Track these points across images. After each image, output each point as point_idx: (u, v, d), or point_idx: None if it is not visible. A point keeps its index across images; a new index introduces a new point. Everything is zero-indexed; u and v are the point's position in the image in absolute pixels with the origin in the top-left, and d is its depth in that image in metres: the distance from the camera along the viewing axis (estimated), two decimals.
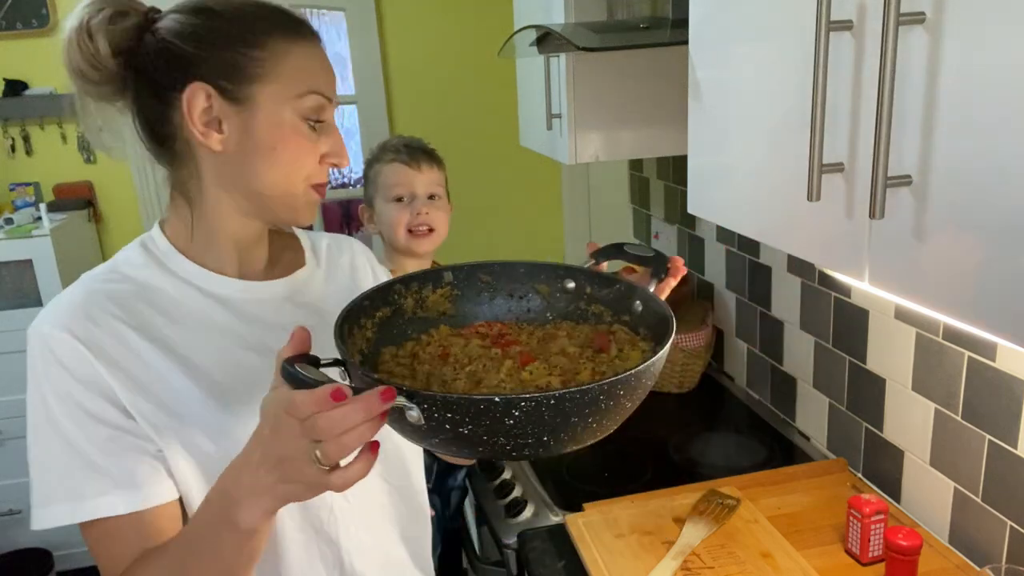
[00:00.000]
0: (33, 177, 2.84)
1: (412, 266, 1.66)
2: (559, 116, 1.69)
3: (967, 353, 1.19)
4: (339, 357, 0.71)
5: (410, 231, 1.61)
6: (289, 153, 0.83)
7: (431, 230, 1.62)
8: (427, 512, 1.07)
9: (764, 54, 0.96)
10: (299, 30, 0.85)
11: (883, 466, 1.42)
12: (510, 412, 0.61)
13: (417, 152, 1.62)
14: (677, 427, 1.75)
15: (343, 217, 3.25)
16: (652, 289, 0.88)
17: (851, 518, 1.21)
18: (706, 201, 1.17)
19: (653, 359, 0.70)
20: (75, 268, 2.68)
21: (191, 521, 0.76)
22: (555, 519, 1.40)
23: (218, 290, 0.88)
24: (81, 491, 0.78)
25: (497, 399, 0.61)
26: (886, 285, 0.78)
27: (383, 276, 1.07)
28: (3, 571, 2.70)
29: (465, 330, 0.88)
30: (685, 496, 1.38)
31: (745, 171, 1.04)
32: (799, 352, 1.66)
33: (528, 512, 1.42)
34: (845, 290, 1.48)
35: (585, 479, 1.54)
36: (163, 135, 0.84)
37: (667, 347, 0.73)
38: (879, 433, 1.42)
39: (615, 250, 0.97)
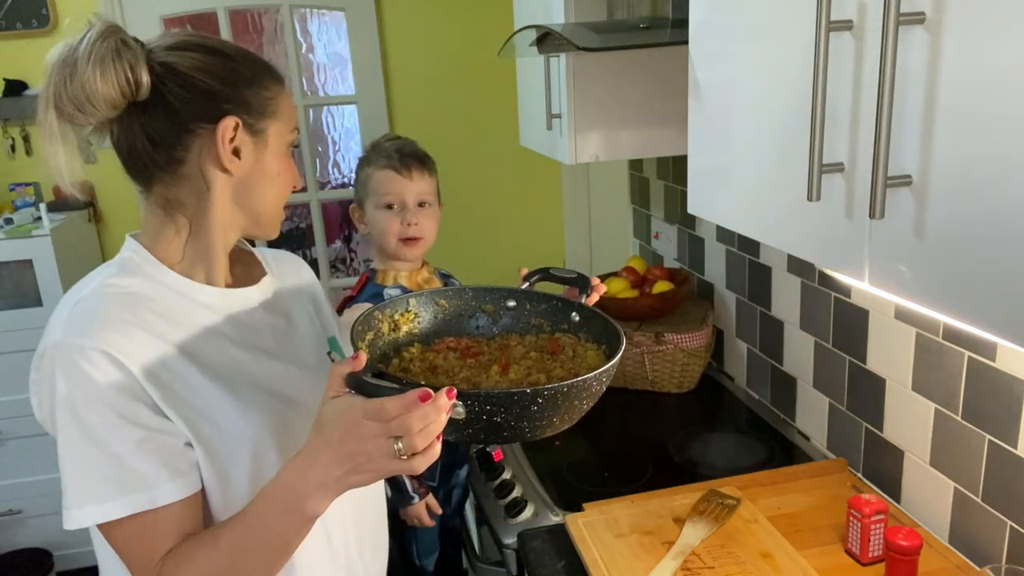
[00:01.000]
0: (33, 177, 2.84)
1: (402, 267, 1.66)
2: (559, 116, 1.69)
3: (967, 353, 1.19)
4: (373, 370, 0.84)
5: (400, 239, 1.61)
6: (285, 177, 0.99)
7: (420, 238, 1.62)
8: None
9: (764, 54, 0.96)
10: (281, 77, 1.00)
11: (883, 466, 1.42)
12: (536, 400, 0.79)
13: (409, 159, 1.61)
14: (677, 427, 1.75)
15: (343, 217, 3.25)
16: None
17: (851, 518, 1.21)
18: (706, 201, 1.17)
19: (621, 349, 0.91)
20: (75, 268, 2.68)
21: (247, 511, 0.85)
22: (555, 519, 1.40)
23: (204, 298, 0.97)
24: (124, 487, 0.84)
25: (528, 391, 0.78)
26: (886, 285, 0.78)
27: (321, 290, 1.21)
28: (3, 571, 2.70)
29: (436, 346, 1.03)
30: (685, 496, 1.38)
31: (745, 171, 1.04)
32: (799, 352, 1.66)
33: (528, 512, 1.42)
34: (845, 290, 1.48)
35: (585, 479, 1.54)
36: (172, 159, 0.92)
37: (623, 343, 0.94)
38: (879, 433, 1.42)
39: (543, 273, 1.15)
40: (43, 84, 0.87)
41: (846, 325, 1.49)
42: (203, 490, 0.91)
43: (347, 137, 3.12)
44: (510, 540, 1.38)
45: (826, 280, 1.54)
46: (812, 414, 1.64)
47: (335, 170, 3.16)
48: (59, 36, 2.88)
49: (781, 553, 1.21)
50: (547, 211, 3.13)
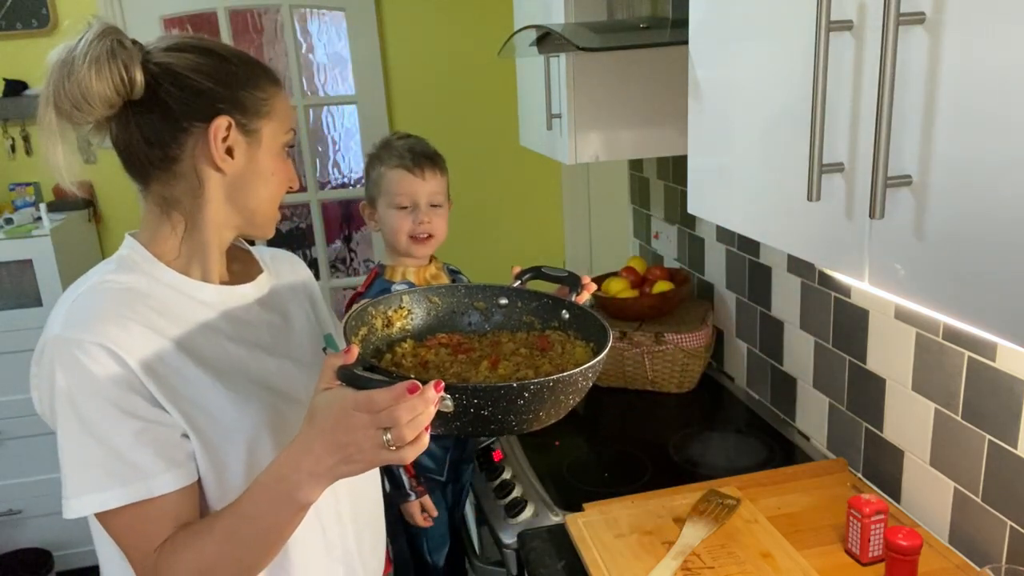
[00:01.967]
0: (33, 177, 2.84)
1: (412, 264, 1.67)
2: (559, 116, 1.69)
3: (967, 353, 1.19)
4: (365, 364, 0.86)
5: (411, 237, 1.63)
6: (279, 177, 1.00)
7: (431, 236, 1.64)
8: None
9: (764, 54, 0.96)
10: (278, 79, 1.01)
11: (883, 466, 1.42)
12: (522, 395, 0.81)
13: (421, 159, 1.62)
14: (677, 427, 1.75)
15: (343, 217, 3.25)
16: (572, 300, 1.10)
17: (851, 518, 1.21)
18: (706, 201, 1.17)
19: (607, 346, 0.93)
20: (75, 268, 2.68)
21: (241, 500, 0.86)
22: (555, 519, 1.40)
23: (201, 295, 0.99)
24: (122, 478, 0.86)
25: (514, 385, 0.80)
26: (886, 285, 0.78)
27: (316, 288, 1.22)
28: (3, 571, 2.70)
29: (428, 342, 1.04)
30: (685, 496, 1.38)
31: (745, 171, 1.04)
32: (799, 352, 1.66)
33: (528, 512, 1.42)
34: (845, 290, 1.48)
35: (585, 479, 1.54)
36: (167, 156, 0.94)
37: (610, 340, 0.96)
38: (879, 433, 1.42)
39: (535, 271, 1.17)
40: (44, 83, 0.89)
41: (846, 325, 1.49)
42: (199, 480, 0.93)
43: (347, 137, 3.12)
44: (510, 540, 1.38)
45: (826, 280, 1.54)
46: (812, 414, 1.64)
47: (335, 170, 3.16)
48: (59, 36, 2.88)
49: (781, 553, 1.21)
50: (547, 211, 3.13)
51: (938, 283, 0.71)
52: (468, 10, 2.91)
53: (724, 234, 1.95)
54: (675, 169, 2.20)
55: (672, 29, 1.39)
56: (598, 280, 2.10)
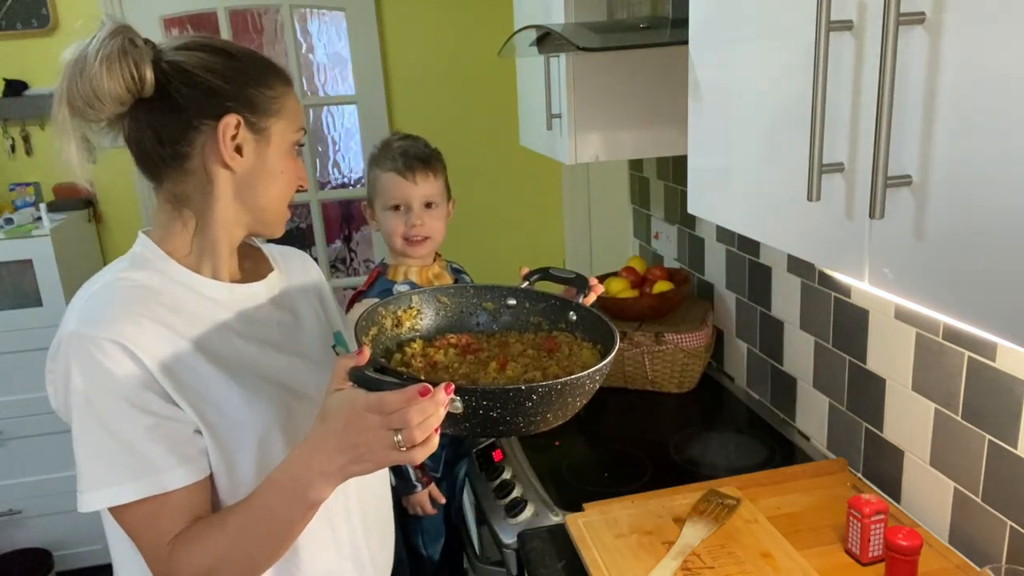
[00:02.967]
0: (33, 177, 2.84)
1: (414, 263, 1.68)
2: (559, 116, 1.69)
3: (967, 353, 1.19)
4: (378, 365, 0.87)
5: (405, 239, 1.64)
6: (288, 175, 1.01)
7: (426, 237, 1.64)
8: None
9: (764, 54, 0.96)
10: (288, 78, 1.02)
11: (883, 466, 1.42)
12: (530, 397, 0.82)
13: (413, 162, 1.63)
14: (677, 427, 1.75)
15: (343, 217, 3.26)
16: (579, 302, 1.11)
17: (851, 518, 1.21)
18: (706, 201, 1.17)
19: (615, 348, 0.93)
20: (75, 268, 2.68)
21: (253, 496, 0.88)
22: (555, 519, 1.40)
23: (212, 293, 0.99)
24: (135, 472, 0.87)
25: (523, 387, 0.81)
26: (886, 285, 0.78)
27: (327, 286, 1.24)
28: (3, 571, 2.70)
29: (437, 342, 1.05)
30: (685, 496, 1.38)
31: (745, 171, 1.04)
32: (799, 352, 1.66)
33: (528, 512, 1.42)
34: (845, 290, 1.48)
35: (585, 479, 1.54)
36: (178, 154, 0.95)
37: (617, 343, 0.96)
38: (879, 433, 1.42)
39: (543, 272, 1.17)
40: (58, 82, 0.90)
41: (846, 325, 1.49)
42: (211, 476, 0.94)
43: (347, 137, 3.12)
44: (510, 540, 1.38)
45: (826, 280, 1.54)
46: (812, 414, 1.64)
47: (335, 170, 3.16)
48: (59, 36, 2.89)
49: (781, 553, 1.21)
50: (547, 211, 3.13)
51: (938, 283, 0.71)
52: (468, 10, 2.91)
53: (724, 234, 1.95)
54: (675, 169, 2.20)
55: (672, 29, 1.39)
56: (598, 280, 2.09)
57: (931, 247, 0.71)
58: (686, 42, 1.15)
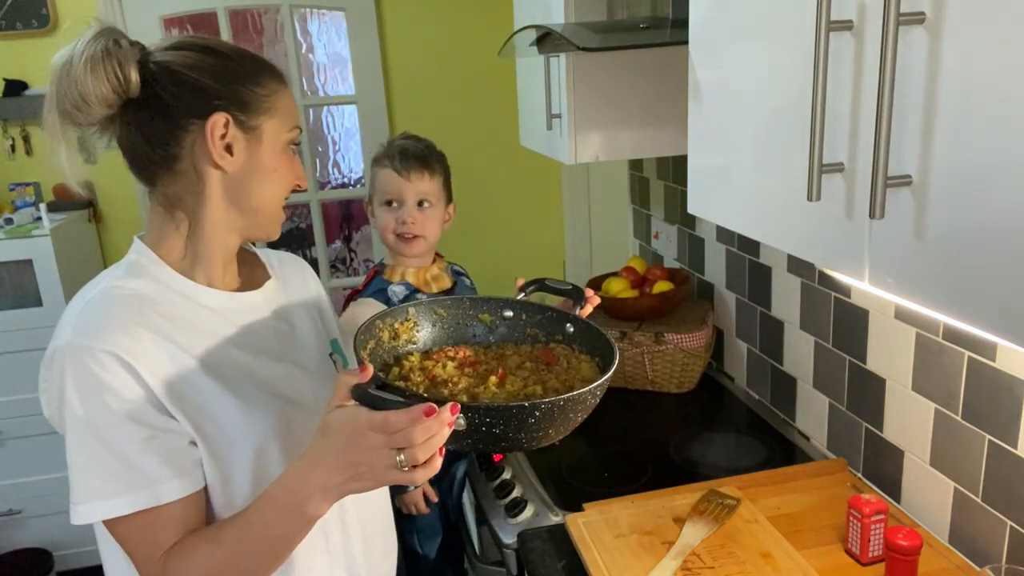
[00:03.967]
0: (33, 177, 2.84)
1: (410, 264, 1.68)
2: (559, 116, 1.69)
3: (967, 353, 1.19)
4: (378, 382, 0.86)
5: (396, 235, 1.64)
6: (282, 174, 0.99)
7: (417, 236, 1.64)
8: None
9: (764, 54, 0.96)
10: (282, 76, 1.00)
11: (883, 466, 1.42)
12: (532, 413, 0.82)
13: (409, 160, 1.64)
14: (677, 427, 1.75)
15: (343, 217, 3.25)
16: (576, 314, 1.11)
17: (851, 518, 1.21)
18: (706, 201, 1.17)
19: (614, 363, 0.94)
20: (75, 268, 2.68)
21: (250, 510, 0.87)
22: (555, 519, 1.40)
23: (207, 301, 0.98)
24: (130, 485, 0.86)
25: (526, 404, 0.81)
26: (886, 285, 0.78)
27: (324, 294, 1.23)
28: (3, 571, 2.70)
29: (434, 355, 1.05)
30: (685, 496, 1.38)
31: (745, 171, 1.04)
32: (799, 352, 1.66)
33: (528, 512, 1.42)
34: (845, 290, 1.48)
35: (585, 479, 1.54)
36: (168, 155, 0.93)
37: (616, 357, 0.96)
38: (879, 433, 1.42)
39: (539, 284, 1.17)
40: (48, 85, 0.89)
41: (846, 325, 1.49)
42: (206, 487, 0.93)
43: (347, 137, 3.12)
44: (510, 540, 1.38)
45: (826, 280, 1.54)
46: (812, 414, 1.64)
47: (335, 170, 3.16)
48: (59, 36, 2.88)
49: (781, 553, 1.21)
50: (547, 211, 3.13)
51: (938, 283, 0.71)
52: (468, 10, 2.91)
53: (724, 234, 1.95)
54: (675, 169, 2.20)
55: (672, 29, 1.39)
56: (598, 280, 2.10)
57: (931, 247, 0.71)
58: (686, 42, 1.15)
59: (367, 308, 1.55)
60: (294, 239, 3.17)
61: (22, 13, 2.68)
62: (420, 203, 1.65)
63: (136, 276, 0.95)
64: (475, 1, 2.90)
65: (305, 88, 2.97)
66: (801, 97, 0.87)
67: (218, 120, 0.92)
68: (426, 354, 1.06)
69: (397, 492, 1.62)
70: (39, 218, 2.66)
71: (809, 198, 0.82)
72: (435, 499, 1.68)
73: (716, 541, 1.25)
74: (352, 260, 3.30)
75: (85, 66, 0.87)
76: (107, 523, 0.88)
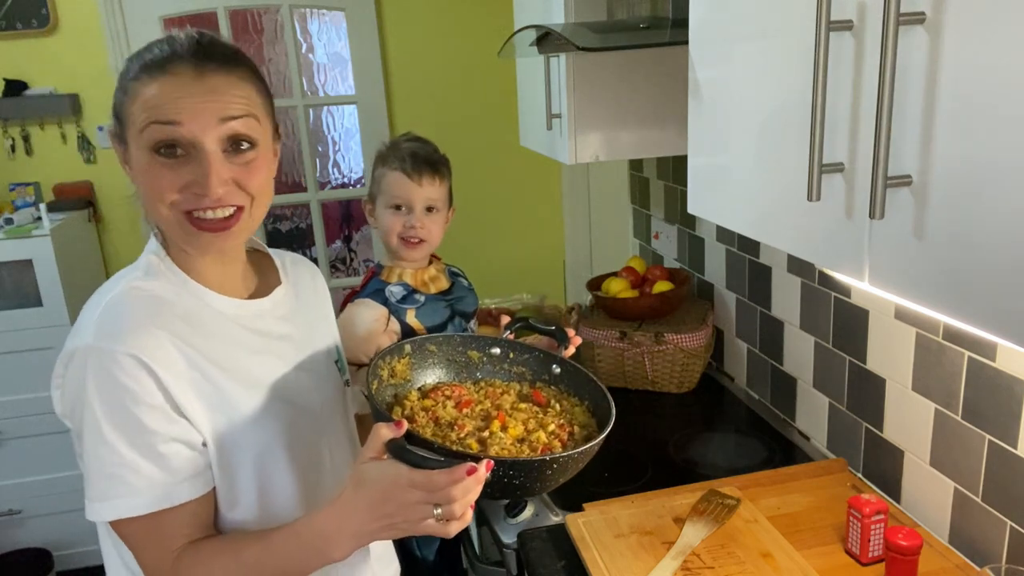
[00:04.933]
0: (33, 177, 2.84)
1: (408, 265, 1.67)
2: (559, 116, 1.69)
3: (967, 353, 1.19)
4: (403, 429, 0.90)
5: (402, 239, 1.63)
6: (145, 186, 0.90)
7: (422, 240, 1.64)
8: None
9: (764, 54, 0.96)
10: (162, 66, 0.87)
11: (883, 466, 1.42)
12: (552, 466, 0.90)
13: (421, 165, 1.62)
14: (677, 427, 1.75)
15: (343, 217, 3.25)
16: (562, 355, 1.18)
17: (851, 518, 1.21)
18: (706, 201, 1.17)
19: (612, 416, 1.03)
20: (75, 268, 2.68)
21: (273, 539, 0.89)
22: (555, 519, 1.40)
23: (222, 306, 0.99)
24: (146, 486, 0.87)
25: (547, 458, 0.89)
26: (886, 285, 0.78)
27: (330, 299, 1.24)
28: (3, 571, 2.70)
29: (432, 394, 1.09)
30: (685, 496, 1.38)
31: (745, 171, 1.04)
32: (799, 352, 1.66)
33: (528, 512, 1.42)
34: (845, 290, 1.48)
35: (585, 479, 1.52)
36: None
37: (613, 409, 1.05)
38: (879, 433, 1.42)
39: (524, 323, 1.24)
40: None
41: (846, 325, 1.49)
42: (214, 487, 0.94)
43: (347, 137, 3.12)
44: (510, 540, 1.38)
45: (826, 280, 1.54)
46: (812, 414, 1.64)
47: (335, 170, 3.16)
48: (59, 36, 2.88)
49: (781, 553, 1.21)
50: (547, 211, 3.13)
51: (938, 283, 0.71)
52: (468, 10, 2.91)
53: (724, 234, 1.95)
54: (675, 169, 2.20)
55: (672, 29, 1.39)
56: (598, 280, 2.10)
57: (931, 247, 0.71)
58: (686, 42, 1.15)
59: (365, 309, 1.55)
60: (294, 239, 3.17)
61: (22, 13, 2.68)
62: (428, 208, 1.64)
63: (154, 277, 0.95)
64: (475, 1, 2.90)
65: (305, 88, 2.97)
66: (801, 97, 0.87)
67: (108, 131, 0.95)
68: (423, 392, 1.11)
69: None
70: (39, 218, 2.66)
71: (809, 198, 0.82)
72: None
73: (716, 541, 1.25)
74: (352, 260, 3.30)
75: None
76: (117, 524, 0.89)
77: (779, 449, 1.62)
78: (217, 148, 0.88)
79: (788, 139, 0.91)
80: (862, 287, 0.83)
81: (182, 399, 0.89)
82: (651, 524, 1.31)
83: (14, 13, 2.67)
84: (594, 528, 1.30)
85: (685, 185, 1.21)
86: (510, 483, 0.87)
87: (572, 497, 1.43)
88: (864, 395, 1.46)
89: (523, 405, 1.09)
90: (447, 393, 1.09)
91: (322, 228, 3.08)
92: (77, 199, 2.81)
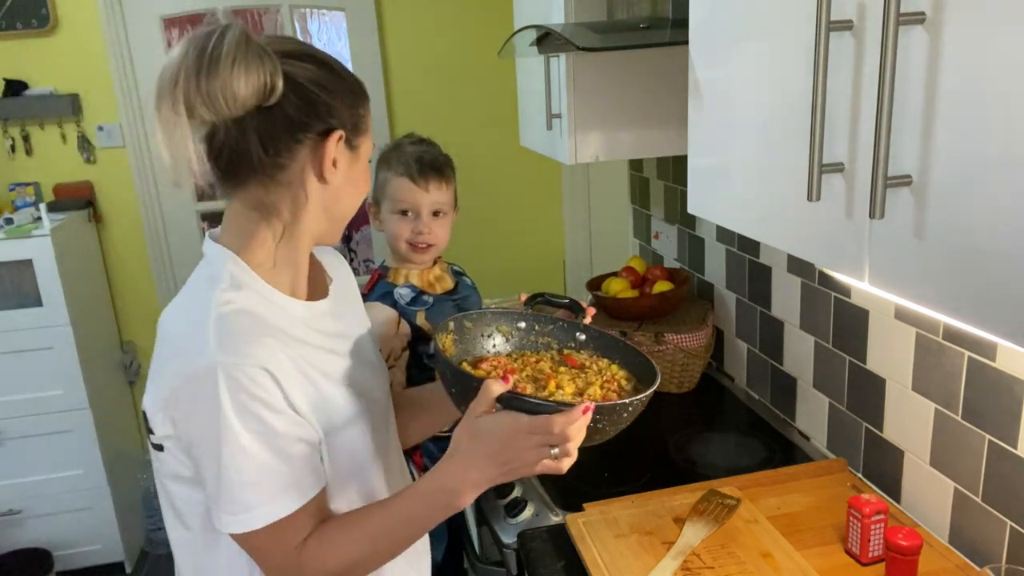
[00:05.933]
0: (33, 177, 2.84)
1: (415, 267, 1.67)
2: (559, 116, 1.69)
3: (967, 353, 1.19)
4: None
5: (410, 244, 1.62)
6: (364, 188, 1.05)
7: (431, 245, 1.63)
8: None
9: (764, 54, 0.96)
10: (368, 95, 1.03)
11: (883, 466, 1.42)
12: (628, 408, 0.97)
13: (427, 170, 1.61)
14: (677, 427, 1.75)
15: None
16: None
17: (851, 518, 1.21)
18: (706, 201, 1.17)
19: (656, 379, 1.05)
20: (75, 268, 2.68)
21: (395, 506, 0.98)
22: (555, 519, 1.40)
23: (296, 311, 1.02)
24: (288, 487, 0.93)
25: (627, 402, 0.96)
26: (886, 285, 0.78)
27: (356, 286, 1.27)
28: (3, 571, 2.70)
29: (482, 365, 1.14)
30: (685, 496, 1.38)
31: (745, 171, 1.04)
32: (799, 352, 1.66)
33: (528, 512, 1.42)
34: (845, 290, 1.48)
35: (585, 479, 1.53)
36: (277, 164, 0.94)
37: (655, 368, 1.08)
38: (879, 433, 1.42)
39: (542, 297, 1.27)
40: (165, 82, 0.86)
41: (846, 325, 1.49)
42: None
43: None
44: (510, 540, 1.38)
45: (826, 280, 1.54)
46: (812, 414, 1.64)
47: None
48: (59, 36, 2.87)
49: (781, 553, 1.21)
50: (547, 211, 3.13)
51: (938, 283, 0.71)
52: (468, 10, 2.92)
53: (724, 234, 1.95)
54: (675, 169, 2.20)
55: (672, 29, 1.39)
56: (598, 280, 2.10)
57: (931, 247, 0.71)
58: (686, 42, 1.15)
59: (375, 312, 1.54)
60: None
61: (22, 13, 2.68)
62: (435, 213, 1.63)
63: (239, 288, 0.96)
64: (475, 1, 2.91)
65: None
66: (801, 97, 0.87)
67: (335, 137, 0.95)
68: (472, 365, 1.14)
69: None
70: (39, 218, 2.66)
71: (809, 198, 0.82)
72: None
73: (716, 541, 1.25)
74: (352, 260, 3.30)
75: (239, 69, 0.86)
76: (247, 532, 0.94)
77: (779, 449, 1.62)
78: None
79: (788, 139, 0.91)
80: (862, 287, 0.83)
81: (297, 401, 0.94)
82: (651, 524, 1.31)
83: (14, 13, 2.68)
84: (594, 528, 1.30)
85: (685, 185, 1.21)
86: (594, 427, 0.94)
87: (572, 497, 1.43)
88: (864, 395, 1.46)
89: (562, 368, 1.14)
90: (494, 363, 1.14)
91: None
92: (77, 199, 2.81)
